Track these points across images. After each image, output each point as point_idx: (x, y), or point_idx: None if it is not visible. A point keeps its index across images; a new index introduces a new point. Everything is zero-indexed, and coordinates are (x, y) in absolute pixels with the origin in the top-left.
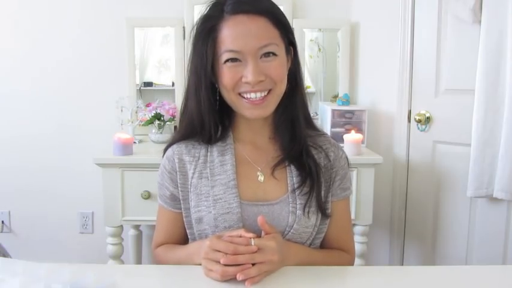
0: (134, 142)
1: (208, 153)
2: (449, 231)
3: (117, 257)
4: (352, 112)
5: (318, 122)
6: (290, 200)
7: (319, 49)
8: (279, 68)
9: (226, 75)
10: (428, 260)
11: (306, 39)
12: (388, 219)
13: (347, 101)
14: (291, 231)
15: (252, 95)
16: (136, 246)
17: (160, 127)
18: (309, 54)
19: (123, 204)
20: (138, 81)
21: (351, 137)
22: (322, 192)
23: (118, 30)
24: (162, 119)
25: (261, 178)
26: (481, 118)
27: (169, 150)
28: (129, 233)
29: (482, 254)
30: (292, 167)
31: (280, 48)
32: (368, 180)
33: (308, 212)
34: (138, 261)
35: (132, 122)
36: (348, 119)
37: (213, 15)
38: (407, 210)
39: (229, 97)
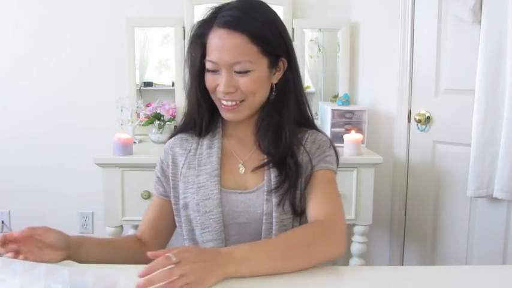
0: (134, 142)
1: (199, 146)
2: (449, 231)
3: None
4: (352, 112)
5: (317, 122)
6: (265, 189)
7: (319, 49)
8: (250, 83)
9: (208, 80)
10: (428, 260)
11: (306, 39)
12: (388, 219)
13: (347, 101)
14: (273, 220)
15: (224, 102)
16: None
17: (160, 127)
18: (309, 54)
19: (123, 204)
20: (138, 81)
21: (351, 137)
22: (299, 191)
23: (118, 30)
24: (162, 119)
25: (242, 170)
26: (481, 118)
27: (168, 142)
28: (129, 233)
29: (482, 254)
30: (272, 170)
31: (256, 64)
32: (368, 180)
33: (283, 206)
34: None
35: (132, 122)
36: (348, 119)
37: (205, 23)
38: (407, 210)
39: (213, 98)
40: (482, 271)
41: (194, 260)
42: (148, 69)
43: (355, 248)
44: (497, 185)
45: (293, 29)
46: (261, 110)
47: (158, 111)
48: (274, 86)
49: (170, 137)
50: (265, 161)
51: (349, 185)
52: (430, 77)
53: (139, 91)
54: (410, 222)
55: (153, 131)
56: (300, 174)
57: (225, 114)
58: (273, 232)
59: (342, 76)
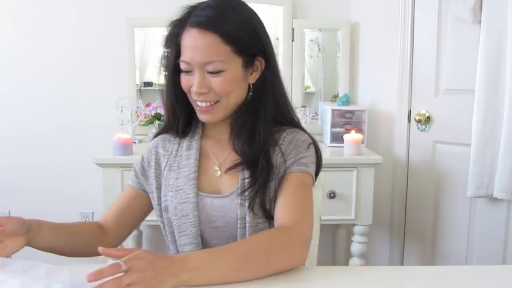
0: (134, 142)
1: (179, 148)
2: (449, 231)
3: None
4: (352, 112)
5: (317, 122)
6: (239, 192)
7: (319, 49)
8: (223, 83)
9: (183, 81)
10: (428, 260)
11: (306, 39)
12: (388, 219)
13: (347, 101)
14: (247, 224)
15: (199, 103)
16: (136, 246)
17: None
18: (309, 54)
19: None
20: (138, 81)
21: (351, 137)
22: (270, 194)
23: (118, 30)
24: (162, 119)
25: (218, 172)
26: (481, 118)
27: (152, 142)
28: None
29: (482, 254)
30: (246, 170)
31: (229, 64)
32: (368, 180)
33: (253, 208)
34: None
35: (132, 122)
36: (348, 119)
37: (179, 23)
38: (407, 210)
39: (190, 99)
40: (482, 271)
41: (144, 269)
42: (148, 69)
43: (355, 248)
44: (497, 185)
45: (293, 29)
46: (236, 111)
47: (158, 111)
48: (251, 86)
49: (156, 135)
50: (239, 161)
51: (349, 185)
52: (430, 77)
53: (139, 91)
54: (410, 222)
55: (153, 131)
56: (272, 175)
57: (200, 116)
58: (247, 237)
59: (342, 76)
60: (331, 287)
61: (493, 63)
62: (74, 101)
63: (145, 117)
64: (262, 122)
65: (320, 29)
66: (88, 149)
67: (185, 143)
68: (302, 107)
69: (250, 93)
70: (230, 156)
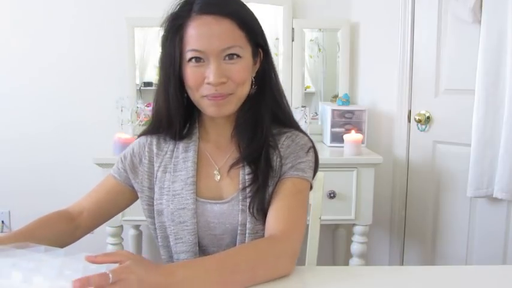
0: None
1: (175, 149)
2: (449, 231)
3: None
4: (352, 112)
5: (317, 122)
6: (240, 198)
7: (319, 49)
8: (241, 70)
9: (190, 75)
10: (428, 260)
11: (306, 39)
12: (388, 219)
13: (347, 101)
14: (247, 231)
15: (212, 95)
16: (136, 246)
17: None
18: (309, 54)
19: None
20: (138, 81)
21: (351, 137)
22: (268, 196)
23: (118, 30)
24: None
25: (217, 177)
26: (481, 118)
27: (143, 137)
28: (129, 233)
29: (482, 254)
30: (247, 167)
31: (245, 51)
32: (368, 180)
33: (253, 212)
34: None
35: (132, 122)
36: (348, 119)
37: (181, 14)
38: (407, 210)
39: (194, 97)
40: (482, 271)
41: (129, 286)
42: (148, 69)
43: (355, 248)
44: (497, 185)
45: (293, 29)
46: (241, 107)
47: None
48: (253, 80)
49: (141, 135)
50: (240, 157)
51: (349, 185)
52: (430, 77)
53: (139, 91)
54: (410, 222)
55: None
56: (270, 178)
57: (212, 110)
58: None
59: (342, 76)
60: (331, 287)
61: (493, 63)
62: (74, 101)
63: (145, 117)
64: (265, 117)
65: (320, 29)
66: (88, 149)
67: (182, 144)
68: (302, 107)
69: (253, 87)
70: (230, 160)
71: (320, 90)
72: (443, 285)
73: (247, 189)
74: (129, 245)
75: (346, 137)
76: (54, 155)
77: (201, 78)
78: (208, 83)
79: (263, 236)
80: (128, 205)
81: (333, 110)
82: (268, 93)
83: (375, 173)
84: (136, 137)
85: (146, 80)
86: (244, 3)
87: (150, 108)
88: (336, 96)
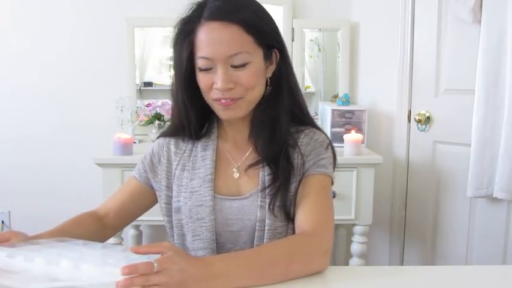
0: (134, 142)
1: (194, 148)
2: (449, 231)
3: None
4: (352, 112)
5: (317, 122)
6: (259, 194)
7: (319, 49)
8: (249, 76)
9: (201, 80)
10: (428, 260)
11: (306, 39)
12: (388, 219)
13: (347, 101)
14: (266, 227)
15: (222, 100)
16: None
17: (160, 127)
18: (309, 54)
19: None
20: (138, 81)
21: (351, 137)
22: (290, 195)
23: (118, 30)
24: (162, 119)
25: (236, 175)
26: (481, 118)
27: (162, 138)
28: (129, 233)
29: (482, 254)
30: (267, 168)
31: (254, 56)
32: (368, 180)
33: (273, 210)
34: None
35: (132, 122)
36: (348, 119)
37: (191, 19)
38: (407, 210)
39: (207, 100)
40: (482, 271)
41: (173, 275)
42: (148, 69)
43: (355, 248)
44: (497, 185)
45: (293, 29)
46: (256, 107)
47: (158, 111)
48: (268, 80)
49: (162, 135)
50: (259, 158)
51: (349, 185)
52: (430, 77)
53: (139, 91)
54: (410, 222)
55: (153, 131)
56: (292, 176)
57: (223, 113)
58: (265, 240)
59: (342, 76)
60: (331, 286)
61: (493, 63)
62: (74, 101)
63: (145, 117)
64: (282, 117)
65: (320, 29)
66: (88, 149)
67: (200, 143)
68: None
69: (268, 88)
70: (248, 158)
71: (320, 90)
72: (443, 285)
73: (267, 189)
74: (129, 245)
75: (346, 137)
76: (54, 154)
77: (210, 83)
78: (217, 89)
79: (282, 233)
80: (150, 205)
81: (333, 110)
82: (285, 93)
83: (374, 173)
84: (134, 137)
85: (146, 80)
86: (257, 2)
87: (150, 108)
88: (336, 96)
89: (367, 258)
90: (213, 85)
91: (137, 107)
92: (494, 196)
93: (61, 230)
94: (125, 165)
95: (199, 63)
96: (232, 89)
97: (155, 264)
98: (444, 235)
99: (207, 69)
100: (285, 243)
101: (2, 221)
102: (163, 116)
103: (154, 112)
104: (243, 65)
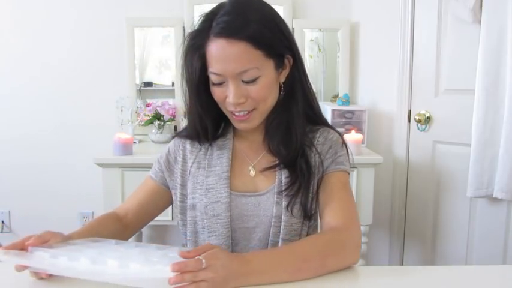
0: (134, 142)
1: (210, 147)
2: (449, 231)
3: None
4: (352, 112)
5: None
6: (276, 191)
7: (319, 49)
8: (260, 90)
9: (215, 93)
10: (428, 260)
11: (306, 39)
12: (388, 219)
13: (347, 101)
14: (282, 223)
15: (236, 113)
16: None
17: (160, 127)
18: (309, 54)
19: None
20: (138, 81)
21: (351, 137)
22: (310, 194)
23: (118, 30)
24: (162, 119)
25: (252, 173)
26: (481, 118)
27: (178, 138)
28: None
29: (482, 254)
30: (284, 170)
31: (263, 69)
32: (368, 180)
33: (292, 209)
34: None
35: (132, 122)
36: (348, 119)
37: (200, 34)
38: (407, 210)
39: (223, 109)
40: (482, 271)
41: (218, 270)
42: (148, 69)
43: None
44: (497, 185)
45: (293, 29)
46: (271, 111)
47: (158, 111)
48: (282, 85)
49: (178, 134)
50: (276, 162)
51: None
52: (430, 77)
53: (139, 91)
54: (410, 222)
55: (153, 131)
56: (311, 175)
57: (238, 125)
58: (280, 236)
59: (342, 76)
60: (331, 286)
61: (493, 63)
62: (74, 101)
63: (145, 117)
64: (297, 120)
65: (320, 29)
66: (88, 149)
67: (216, 142)
68: None
69: (282, 93)
70: (265, 158)
71: (320, 90)
72: (443, 285)
73: (285, 192)
74: None
75: (346, 137)
76: (54, 154)
77: (223, 96)
78: (229, 103)
79: (297, 229)
80: (166, 205)
81: (333, 110)
82: (299, 96)
83: (375, 173)
84: (134, 137)
85: (146, 80)
86: (268, 10)
87: (150, 108)
88: (336, 96)
89: (367, 258)
90: (225, 98)
91: (137, 107)
92: (494, 196)
93: (89, 230)
94: (125, 165)
95: (212, 77)
96: (244, 103)
97: (203, 261)
98: (444, 235)
99: (219, 84)
100: (318, 238)
101: (2, 221)
102: (163, 116)
103: (154, 112)
104: (254, 80)
